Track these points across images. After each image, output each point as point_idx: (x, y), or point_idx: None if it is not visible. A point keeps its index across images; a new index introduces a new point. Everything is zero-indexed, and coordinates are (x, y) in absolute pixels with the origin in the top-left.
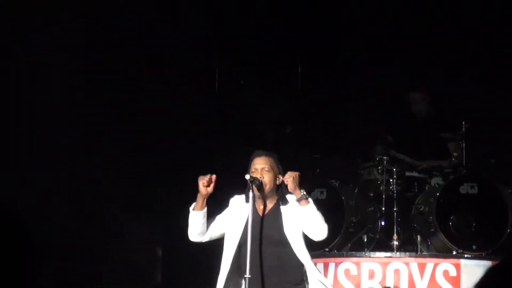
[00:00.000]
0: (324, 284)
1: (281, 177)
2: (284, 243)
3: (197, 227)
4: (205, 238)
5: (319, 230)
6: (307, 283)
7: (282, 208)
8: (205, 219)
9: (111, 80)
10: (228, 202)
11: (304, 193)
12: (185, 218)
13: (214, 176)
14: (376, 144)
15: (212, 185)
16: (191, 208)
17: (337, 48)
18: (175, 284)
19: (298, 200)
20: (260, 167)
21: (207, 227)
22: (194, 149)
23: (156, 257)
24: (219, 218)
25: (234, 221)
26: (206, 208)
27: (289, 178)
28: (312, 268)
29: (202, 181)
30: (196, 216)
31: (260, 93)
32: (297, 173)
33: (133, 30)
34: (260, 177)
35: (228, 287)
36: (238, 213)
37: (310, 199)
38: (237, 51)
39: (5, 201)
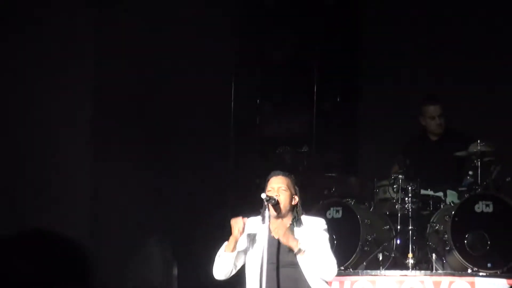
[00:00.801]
0: None
1: (296, 198)
2: (297, 265)
3: (227, 268)
4: (231, 274)
5: (325, 272)
6: None
7: (296, 229)
8: (234, 261)
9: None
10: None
11: (299, 245)
12: (207, 250)
13: (246, 220)
14: (393, 165)
15: (242, 229)
16: (222, 250)
17: (353, 67)
18: None
19: (295, 254)
20: (277, 186)
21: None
22: (210, 168)
23: (172, 277)
24: (241, 246)
25: (253, 243)
26: (236, 252)
27: (277, 234)
28: None
29: (238, 226)
30: (227, 258)
31: (277, 113)
32: (281, 226)
33: (150, 31)
34: (276, 196)
35: None
36: (256, 235)
37: (305, 248)
38: (254, 69)
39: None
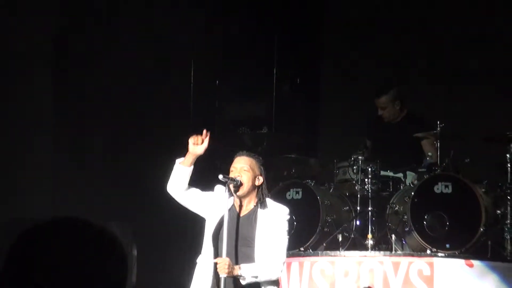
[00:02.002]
0: None
1: (261, 179)
2: (253, 245)
3: (178, 180)
4: (181, 196)
5: (269, 279)
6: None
7: (260, 211)
8: (188, 178)
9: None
10: (213, 187)
11: (240, 273)
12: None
13: (205, 133)
14: (355, 148)
15: (204, 146)
16: (177, 161)
17: (314, 49)
18: (150, 284)
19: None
20: (240, 167)
21: (189, 188)
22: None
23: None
24: (203, 195)
25: (215, 212)
26: (192, 168)
27: (221, 274)
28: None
29: (194, 139)
30: (180, 170)
31: (236, 94)
32: (222, 267)
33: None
34: (238, 176)
35: (203, 277)
36: (219, 205)
37: (244, 277)
38: (213, 50)
39: None
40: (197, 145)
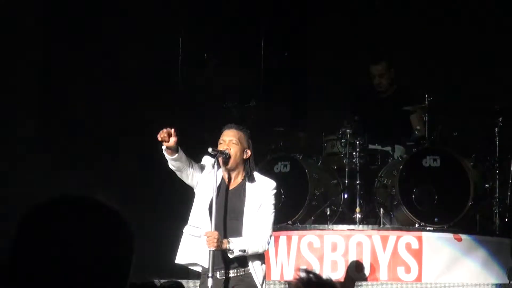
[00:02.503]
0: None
1: (249, 152)
2: (242, 218)
3: (173, 163)
4: (181, 173)
5: (258, 252)
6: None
7: (248, 184)
8: (180, 161)
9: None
10: (201, 158)
11: (228, 247)
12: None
13: (171, 130)
14: (343, 122)
15: (173, 140)
16: (163, 148)
17: (301, 22)
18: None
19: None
20: (228, 139)
21: (187, 164)
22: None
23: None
24: (194, 167)
25: (203, 184)
26: (177, 154)
27: (209, 247)
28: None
29: (161, 136)
30: (168, 157)
31: (224, 66)
32: (211, 240)
33: None
34: (227, 149)
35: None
36: (208, 177)
37: (233, 250)
38: (201, 22)
39: None
40: (165, 141)
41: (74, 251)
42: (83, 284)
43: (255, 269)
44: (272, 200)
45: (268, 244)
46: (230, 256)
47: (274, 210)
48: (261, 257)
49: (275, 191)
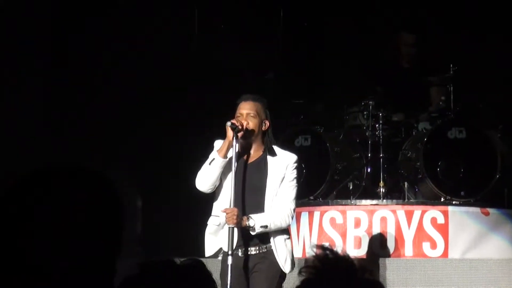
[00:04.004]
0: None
1: (267, 123)
2: (263, 192)
3: (215, 177)
4: (216, 186)
5: (281, 228)
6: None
7: (269, 158)
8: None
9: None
10: (213, 146)
11: (248, 224)
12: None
13: (245, 122)
14: (365, 94)
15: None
16: (214, 155)
17: None
18: (156, 236)
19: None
20: (246, 112)
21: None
22: (173, 95)
23: (136, 209)
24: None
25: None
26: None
27: (229, 224)
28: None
29: (237, 123)
30: (220, 165)
31: (241, 38)
32: (231, 216)
33: None
34: (246, 123)
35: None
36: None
37: (254, 227)
38: None
39: None
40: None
41: (55, 217)
42: (69, 254)
43: (277, 246)
44: (294, 174)
45: (292, 218)
46: (252, 233)
47: (296, 184)
48: (284, 232)
49: (296, 164)
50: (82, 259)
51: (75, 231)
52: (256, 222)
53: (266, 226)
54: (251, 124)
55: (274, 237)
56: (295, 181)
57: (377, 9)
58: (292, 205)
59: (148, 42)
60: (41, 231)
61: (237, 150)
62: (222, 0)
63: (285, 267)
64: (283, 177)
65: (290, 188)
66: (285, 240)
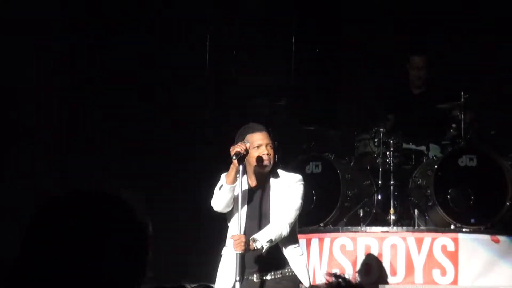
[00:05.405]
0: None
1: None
2: (268, 217)
3: (228, 199)
4: (232, 206)
5: (284, 236)
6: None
7: (272, 181)
8: (234, 192)
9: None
10: (219, 177)
11: (256, 246)
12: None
13: (248, 145)
14: (377, 122)
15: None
16: (222, 182)
17: (333, 18)
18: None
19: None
20: (266, 143)
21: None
22: (186, 120)
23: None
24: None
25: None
26: (237, 182)
27: (236, 247)
28: (290, 249)
29: (241, 150)
30: (228, 190)
31: (254, 64)
32: (238, 244)
33: None
34: (268, 155)
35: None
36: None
37: (261, 246)
38: (230, 21)
39: None
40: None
41: (84, 246)
42: (95, 278)
43: (295, 266)
44: (300, 188)
45: (291, 225)
46: (263, 251)
47: (300, 198)
48: (297, 250)
49: (300, 182)
50: (111, 285)
51: (105, 257)
52: (261, 241)
53: (270, 240)
54: (272, 154)
55: (289, 258)
56: (298, 195)
57: (388, 34)
58: (292, 213)
59: (159, 67)
60: (73, 254)
61: (244, 181)
62: (234, 26)
63: (305, 282)
64: (286, 193)
65: (292, 200)
66: (299, 256)
